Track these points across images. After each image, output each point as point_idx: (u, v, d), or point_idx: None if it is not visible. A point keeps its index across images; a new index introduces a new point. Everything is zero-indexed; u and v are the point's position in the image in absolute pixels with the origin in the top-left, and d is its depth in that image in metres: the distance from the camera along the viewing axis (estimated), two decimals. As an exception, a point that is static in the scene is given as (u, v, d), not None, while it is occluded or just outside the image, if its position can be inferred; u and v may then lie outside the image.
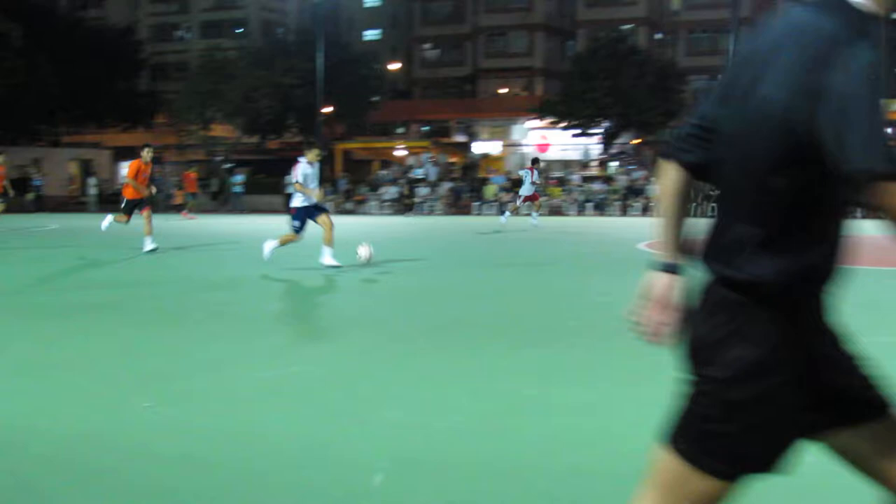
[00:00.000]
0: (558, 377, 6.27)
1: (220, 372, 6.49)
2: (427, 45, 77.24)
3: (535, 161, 29.14)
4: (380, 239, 23.93)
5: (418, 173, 48.16)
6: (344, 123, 56.46)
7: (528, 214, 28.75)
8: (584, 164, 53.22)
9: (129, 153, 62.17)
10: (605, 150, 54.15)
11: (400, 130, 65.48)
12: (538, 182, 28.44)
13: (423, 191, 45.37)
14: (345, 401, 5.60)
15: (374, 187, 47.48)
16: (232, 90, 51.92)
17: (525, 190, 27.68)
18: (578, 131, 53.93)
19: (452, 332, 8.24)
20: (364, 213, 44.33)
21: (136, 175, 16.97)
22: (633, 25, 67.05)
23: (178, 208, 41.64)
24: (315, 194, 13.56)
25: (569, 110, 52.32)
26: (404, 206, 44.18)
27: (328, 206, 15.61)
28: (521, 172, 29.06)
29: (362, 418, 5.14)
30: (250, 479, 4.13)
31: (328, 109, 51.54)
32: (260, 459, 4.39)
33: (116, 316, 9.40)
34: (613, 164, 50.99)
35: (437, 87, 74.38)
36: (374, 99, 57.20)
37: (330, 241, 13.39)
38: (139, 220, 17.39)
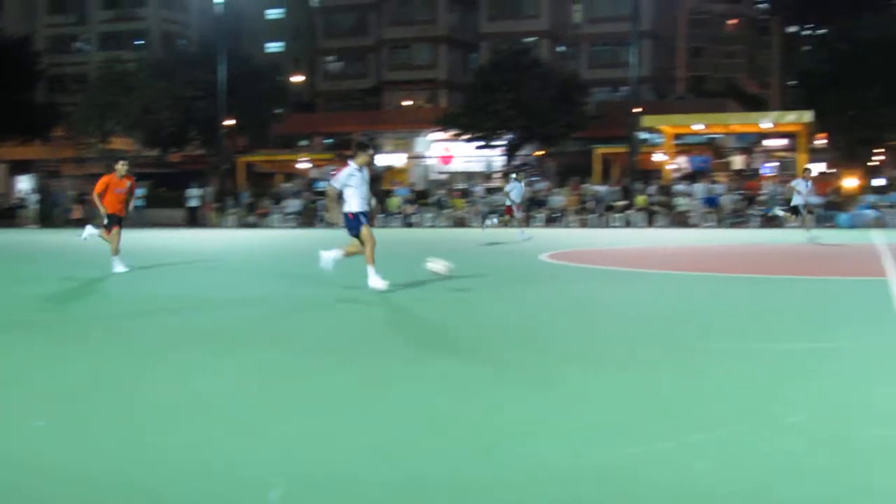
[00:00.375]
0: (469, 390, 6.23)
1: (121, 390, 6.37)
2: (330, 58, 77.10)
3: (519, 171, 29.04)
4: (286, 253, 23.80)
5: (322, 186, 47.95)
6: (246, 136, 56.00)
7: (515, 226, 28.36)
8: (487, 176, 53.47)
9: (26, 167, 60.70)
10: (509, 161, 54.51)
11: (303, 143, 65.14)
12: (519, 195, 28.19)
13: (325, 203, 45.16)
14: (247, 416, 5.51)
15: (277, 200, 47.14)
16: (132, 102, 51.13)
17: (510, 201, 27.64)
18: (482, 143, 54.22)
19: (360, 347, 8.15)
20: (267, 227, 44.00)
21: (105, 191, 15.91)
22: (535, 38, 67.78)
23: (77, 223, 40.85)
24: (336, 218, 12.49)
25: (472, 122, 52.60)
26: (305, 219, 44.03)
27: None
28: (508, 187, 28.73)
29: (264, 434, 5.07)
30: (147, 497, 4.06)
31: (230, 122, 51.08)
32: (158, 476, 4.31)
33: (25, 334, 9.17)
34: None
35: (340, 100, 74.28)
36: (277, 111, 56.88)
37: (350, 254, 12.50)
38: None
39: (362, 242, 12.09)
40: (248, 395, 6.17)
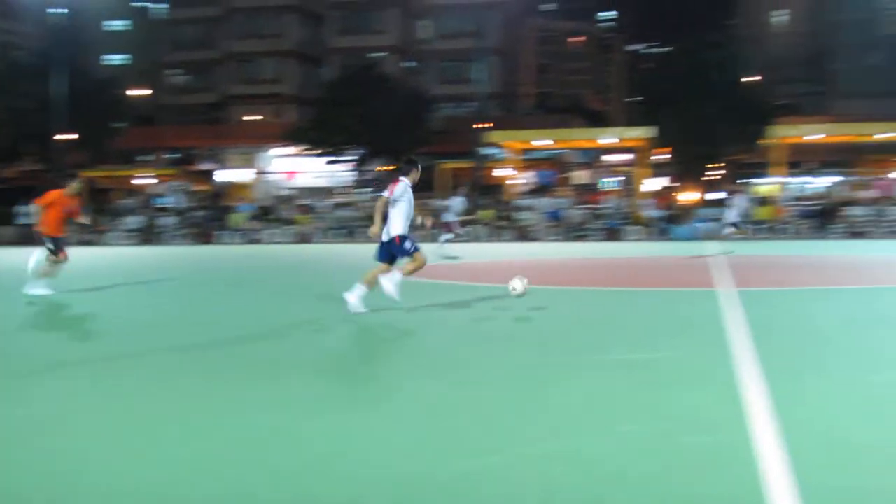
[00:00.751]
0: (302, 408, 6.11)
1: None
2: (175, 71, 75.73)
3: (460, 187, 28.66)
4: (115, 271, 23.10)
5: (164, 202, 46.93)
6: (86, 151, 54.29)
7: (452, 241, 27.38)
8: (334, 191, 53.12)
9: None
10: (357, 176, 54.31)
11: (147, 158, 63.54)
12: (460, 209, 28.06)
13: (168, 220, 44.20)
14: (60, 441, 5.25)
15: (116, 216, 45.86)
16: (-38, 115, 49.07)
17: (451, 216, 27.26)
18: (330, 158, 53.90)
19: (181, 366, 7.93)
20: (106, 244, 42.72)
21: (51, 205, 14.50)
22: (384, 54, 67.79)
23: None
24: (376, 231, 11.32)
25: (320, 137, 52.21)
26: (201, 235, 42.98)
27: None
28: (450, 200, 28.35)
29: (83, 456, 4.89)
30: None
31: (68, 136, 49.49)
32: None
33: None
34: (364, 191, 51.13)
35: (184, 114, 72.95)
36: (119, 125, 55.34)
37: (411, 272, 11.50)
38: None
39: (412, 260, 11.42)
40: (65, 420, 5.89)
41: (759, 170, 47.22)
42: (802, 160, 49.39)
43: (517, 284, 11.79)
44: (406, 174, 11.52)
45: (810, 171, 49.49)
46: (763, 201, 41.61)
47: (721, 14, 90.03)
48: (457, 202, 27.78)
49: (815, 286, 15.24)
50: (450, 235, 26.45)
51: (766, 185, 45.19)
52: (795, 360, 7.51)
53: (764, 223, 39.51)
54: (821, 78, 68.37)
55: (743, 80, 52.44)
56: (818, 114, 58.44)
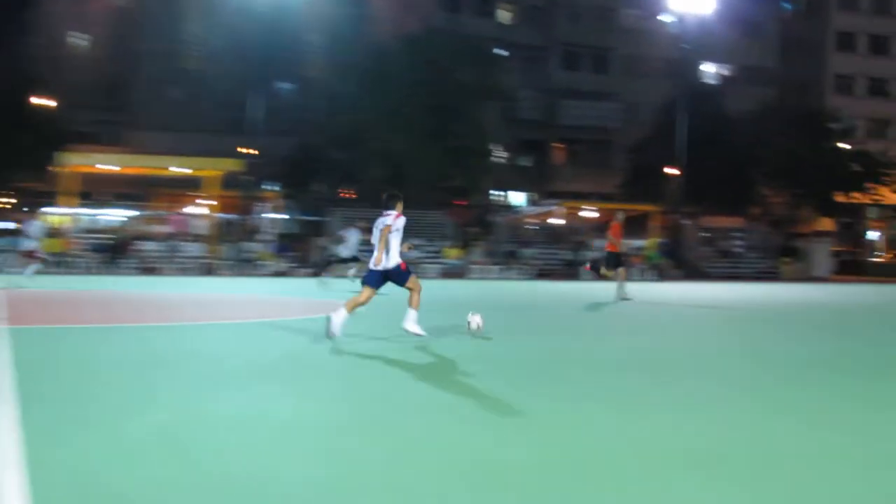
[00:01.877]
0: None
1: None
2: None
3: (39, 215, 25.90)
4: None
5: None
6: None
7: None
8: None
9: None
10: None
11: None
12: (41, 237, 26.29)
13: None
14: None
15: None
16: None
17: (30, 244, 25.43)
18: None
19: None
20: None
21: None
22: None
23: None
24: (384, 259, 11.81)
25: None
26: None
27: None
28: (29, 225, 26.19)
29: None
30: None
31: None
32: None
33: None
34: None
35: None
36: None
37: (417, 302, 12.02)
38: None
39: (410, 289, 11.91)
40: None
41: (52, 198, 45.05)
42: (97, 191, 48.39)
43: (476, 321, 12.49)
44: (394, 207, 12.00)
45: (105, 203, 48.62)
46: (53, 233, 39.56)
47: (12, 31, 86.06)
48: (35, 227, 26.07)
49: (98, 324, 14.55)
50: (37, 266, 25.51)
51: (57, 215, 43.07)
52: (62, 403, 7.01)
53: (54, 256, 37.49)
54: (121, 107, 67.50)
55: (34, 102, 50.51)
56: (117, 144, 57.79)
